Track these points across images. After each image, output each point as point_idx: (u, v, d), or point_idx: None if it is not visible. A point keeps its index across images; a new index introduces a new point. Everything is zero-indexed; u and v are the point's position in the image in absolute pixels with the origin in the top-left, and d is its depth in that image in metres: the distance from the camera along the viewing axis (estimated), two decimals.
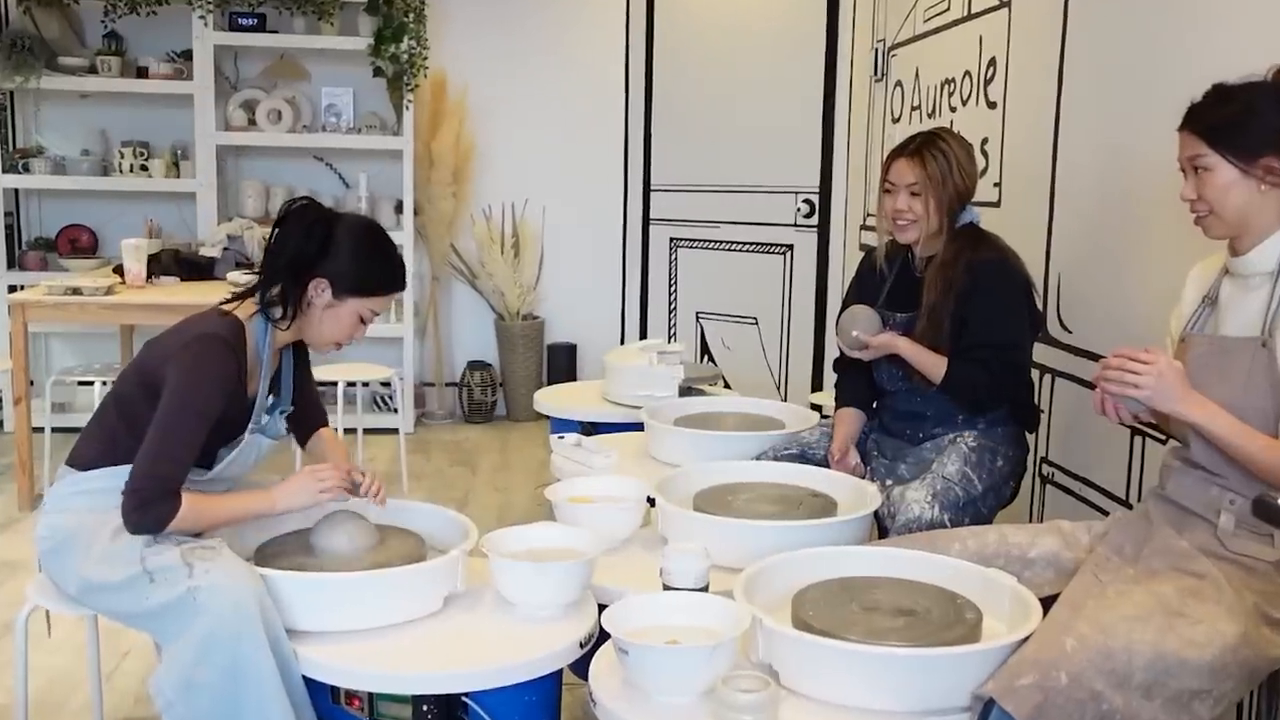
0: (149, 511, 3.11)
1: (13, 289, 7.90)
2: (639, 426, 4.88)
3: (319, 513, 3.44)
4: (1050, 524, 3.22)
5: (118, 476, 3.21)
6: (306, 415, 3.80)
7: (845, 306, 4.38)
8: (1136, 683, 2.45)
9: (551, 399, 5.69)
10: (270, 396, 3.56)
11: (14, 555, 5.80)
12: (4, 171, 8.22)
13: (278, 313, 3.41)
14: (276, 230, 3.45)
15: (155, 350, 3.36)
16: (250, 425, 3.44)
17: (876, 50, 7.01)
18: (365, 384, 8.56)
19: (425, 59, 8.34)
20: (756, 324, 8.29)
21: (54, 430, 6.90)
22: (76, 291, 6.56)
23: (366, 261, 3.45)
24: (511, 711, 2.97)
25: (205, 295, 6.61)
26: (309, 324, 3.47)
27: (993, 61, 5.25)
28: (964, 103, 5.59)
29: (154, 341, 3.41)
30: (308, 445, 3.85)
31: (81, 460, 3.34)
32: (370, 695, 3.02)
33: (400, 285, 3.56)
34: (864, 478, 4.14)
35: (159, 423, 3.15)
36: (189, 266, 7.41)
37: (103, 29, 8.42)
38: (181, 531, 3.18)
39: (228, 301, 3.47)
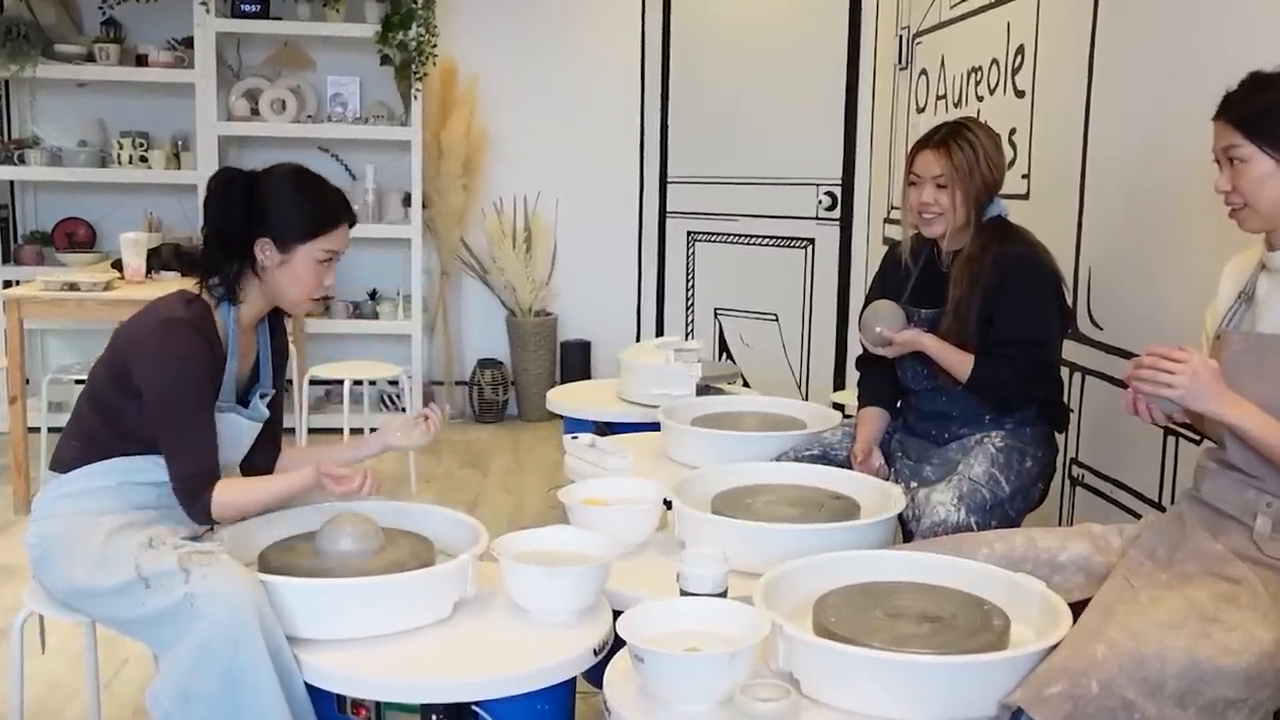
0: (199, 503, 3.25)
1: (8, 284, 7.92)
2: (655, 427, 4.88)
3: (324, 516, 3.44)
4: (1080, 527, 3.21)
5: (97, 475, 3.27)
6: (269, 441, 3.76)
7: (869, 302, 4.37)
8: (1170, 691, 2.44)
9: (565, 398, 5.69)
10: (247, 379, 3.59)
11: (10, 560, 5.82)
12: None
13: (225, 291, 3.43)
14: (204, 213, 3.47)
15: (120, 339, 3.41)
16: (219, 402, 3.40)
17: (901, 37, 7.01)
18: (372, 382, 8.56)
19: (434, 46, 8.34)
20: (777, 320, 8.30)
21: (50, 430, 6.85)
22: (74, 287, 6.56)
23: (296, 204, 3.43)
24: None
25: None
26: (274, 289, 3.47)
27: (1021, 49, 5.25)
28: (991, 92, 5.59)
29: (120, 330, 3.45)
30: (277, 466, 3.79)
31: (62, 463, 3.37)
32: (377, 704, 3.01)
33: (343, 215, 3.53)
34: (888, 479, 4.14)
35: (161, 427, 3.22)
36: (190, 261, 7.37)
37: (101, 15, 8.44)
38: (238, 513, 3.35)
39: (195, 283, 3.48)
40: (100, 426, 3.33)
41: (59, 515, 3.27)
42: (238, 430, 3.52)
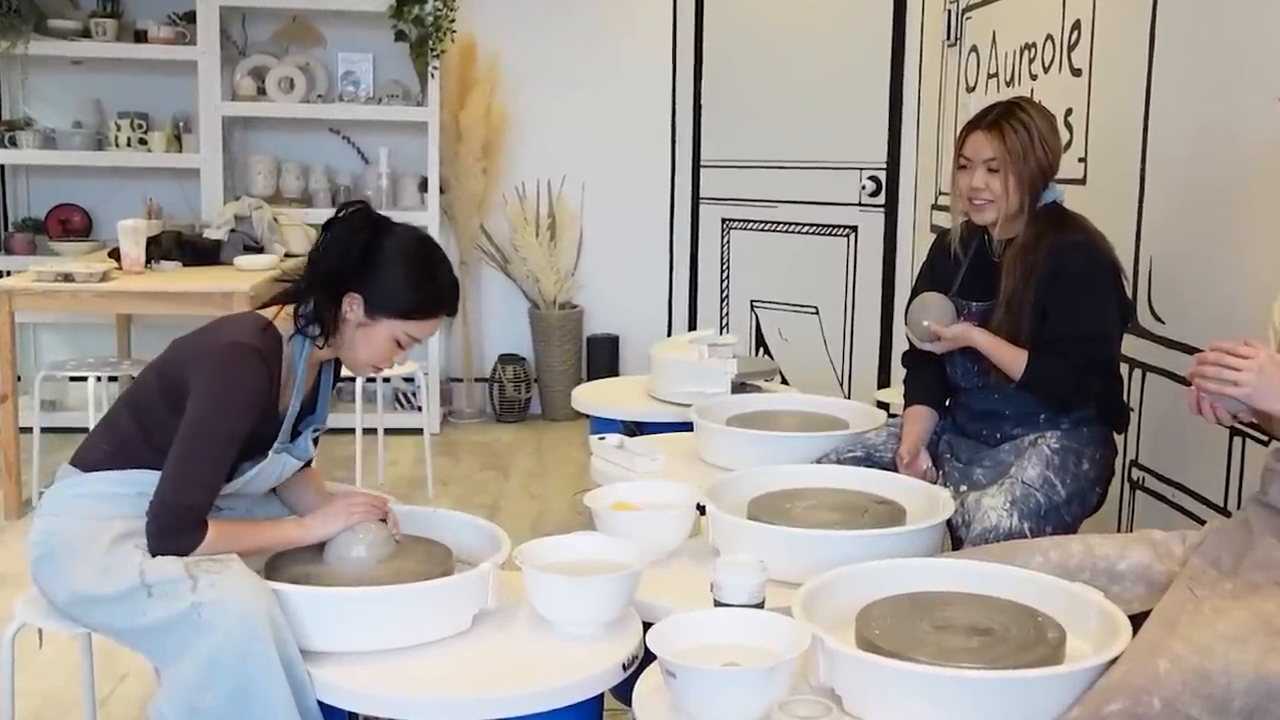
0: (170, 540, 3.14)
1: None
2: (688, 426, 4.90)
3: None
4: (1141, 534, 3.21)
5: (125, 483, 3.24)
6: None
7: (915, 294, 4.38)
8: (1236, 708, 2.44)
9: (592, 396, 5.71)
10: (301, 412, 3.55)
11: (1, 567, 5.85)
12: None
13: (314, 330, 3.40)
14: (322, 237, 3.44)
15: (181, 351, 3.38)
16: (276, 444, 3.42)
17: (949, 12, 7.00)
18: (386, 380, 8.54)
19: (452, 22, 8.36)
20: (817, 313, 8.30)
21: (44, 431, 6.92)
22: (68, 278, 6.56)
23: (406, 280, 3.39)
24: None
25: (210, 281, 6.69)
26: (342, 342, 3.45)
27: (1077, 24, 5.24)
28: (1045, 70, 5.58)
29: (181, 341, 3.43)
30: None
31: (87, 460, 3.35)
32: None
33: (445, 309, 3.49)
34: (936, 483, 4.14)
35: (184, 443, 3.17)
36: (192, 250, 7.44)
37: None
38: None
39: (266, 305, 3.46)
40: (136, 435, 3.31)
41: (72, 514, 3.24)
42: (282, 470, 3.51)
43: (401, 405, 8.92)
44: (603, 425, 5.37)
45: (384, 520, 3.46)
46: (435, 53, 8.32)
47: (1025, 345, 4.03)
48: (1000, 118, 4.11)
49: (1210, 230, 4.19)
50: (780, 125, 8.36)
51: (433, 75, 8.40)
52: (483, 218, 9.03)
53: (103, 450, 3.35)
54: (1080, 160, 5.13)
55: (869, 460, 4.33)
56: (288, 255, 7.60)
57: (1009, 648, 2.71)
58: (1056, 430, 4.09)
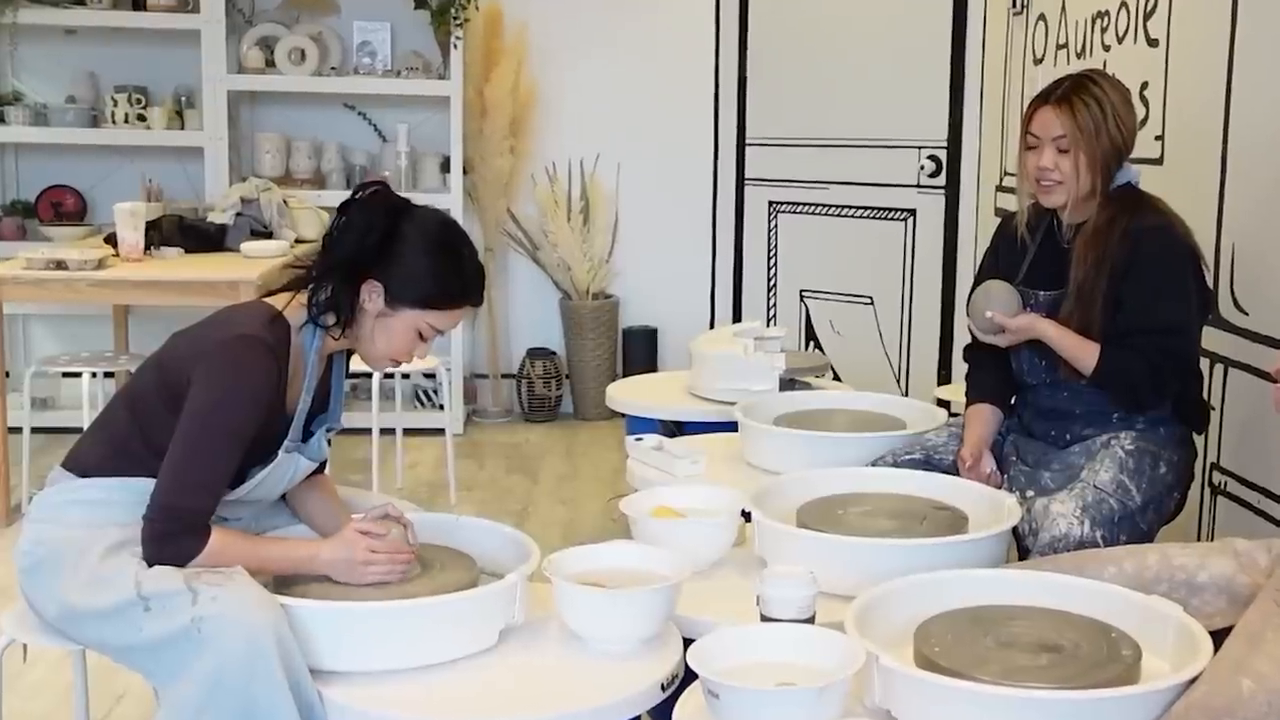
0: (167, 548, 3.14)
1: None
2: (732, 426, 4.90)
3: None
4: (1222, 542, 3.21)
5: (123, 489, 3.25)
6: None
7: (979, 282, 4.38)
8: None
9: (628, 394, 5.72)
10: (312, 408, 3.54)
11: None
12: None
13: (330, 319, 3.40)
14: (338, 219, 3.44)
15: (183, 344, 3.39)
16: (286, 442, 3.42)
17: None
18: (405, 376, 8.54)
19: None
20: (872, 304, 8.30)
21: (34, 431, 6.94)
22: (61, 265, 6.55)
23: (429, 267, 3.40)
24: None
25: (214, 270, 6.67)
26: (359, 334, 3.45)
27: None
28: (1119, 40, 5.57)
29: (183, 333, 3.44)
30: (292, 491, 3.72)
31: (81, 464, 3.35)
32: None
33: (471, 299, 3.49)
34: (1000, 487, 4.14)
35: (183, 442, 3.17)
36: (195, 236, 7.41)
37: None
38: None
39: (274, 293, 3.47)
40: (135, 436, 3.31)
41: (64, 521, 3.24)
42: (294, 472, 3.51)
43: (422, 403, 8.94)
44: (640, 425, 5.38)
45: (403, 526, 3.43)
46: (458, 21, 8.31)
47: (1097, 338, 4.03)
48: (1070, 92, 4.10)
49: None
50: (832, 100, 8.34)
51: (455, 46, 8.38)
52: (510, 200, 9.04)
53: (98, 453, 3.36)
54: (1157, 138, 5.12)
55: (928, 463, 4.33)
56: (298, 241, 7.59)
57: (1080, 666, 2.71)
58: (1131, 430, 4.08)
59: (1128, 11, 5.47)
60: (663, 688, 3.05)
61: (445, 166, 8.68)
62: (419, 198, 3.57)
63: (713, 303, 9.25)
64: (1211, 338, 4.53)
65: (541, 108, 9.04)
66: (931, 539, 3.54)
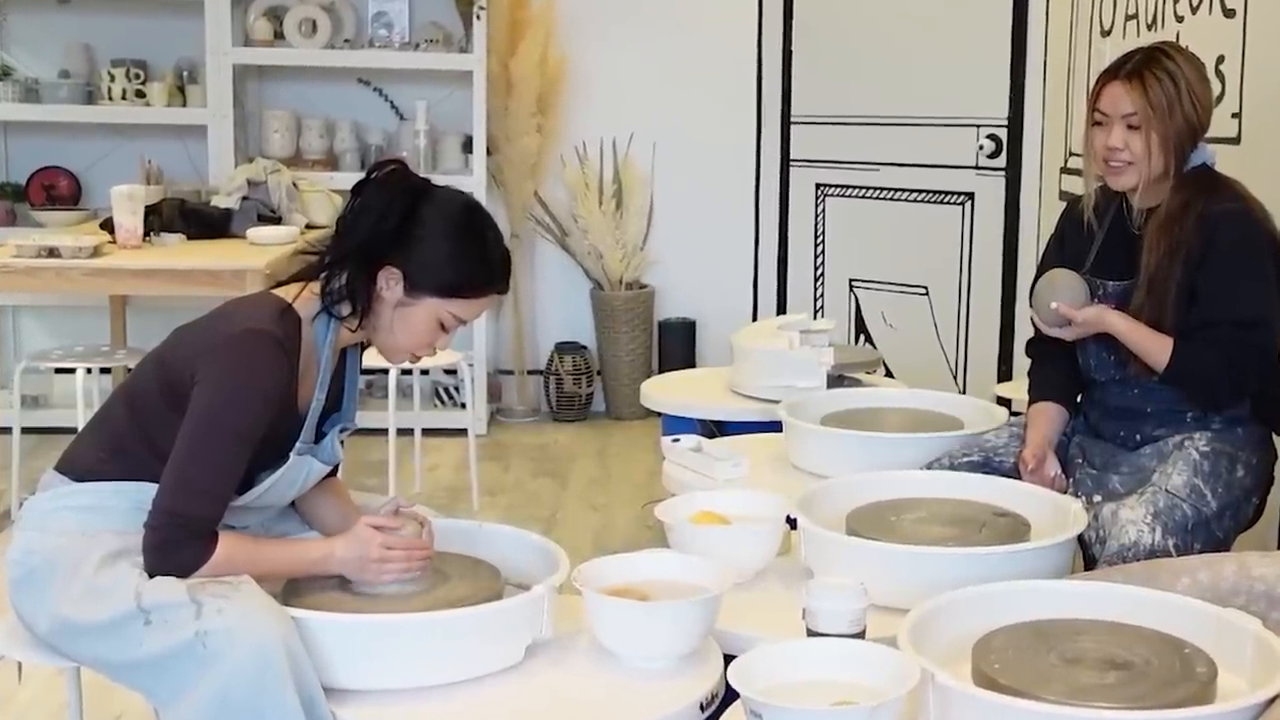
0: (171, 556, 3.14)
1: None
2: (776, 426, 4.91)
3: None
4: None
5: (121, 494, 3.25)
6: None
7: (1042, 271, 4.38)
8: None
9: (664, 391, 5.73)
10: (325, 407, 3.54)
11: None
12: None
13: (345, 309, 3.40)
14: (352, 202, 3.44)
15: (187, 339, 3.40)
16: (298, 444, 3.41)
17: None
18: (424, 372, 8.54)
19: None
20: (926, 294, 8.30)
21: (25, 431, 6.94)
22: (54, 253, 6.51)
23: (451, 251, 3.39)
24: None
25: (218, 257, 6.64)
26: (377, 324, 3.44)
27: None
28: (1193, 10, 5.55)
29: (186, 328, 3.44)
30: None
31: (76, 467, 3.36)
32: None
33: (496, 286, 3.49)
34: (1065, 492, 4.14)
35: (188, 444, 3.17)
36: (197, 220, 7.37)
37: None
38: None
39: (283, 283, 3.47)
40: (135, 437, 3.32)
41: (57, 529, 3.24)
42: (306, 475, 3.51)
43: (442, 402, 8.96)
44: (677, 425, 5.38)
45: (418, 523, 3.43)
46: None
47: (1170, 332, 4.03)
48: (1141, 66, 4.09)
49: None
50: (883, 75, 8.34)
51: (479, 17, 8.38)
52: (537, 183, 9.05)
53: (95, 455, 3.36)
54: (1234, 116, 5.11)
55: (987, 466, 4.33)
56: (309, 227, 7.56)
57: (1151, 684, 2.71)
58: (1206, 431, 4.08)
59: None
60: (701, 708, 3.05)
61: (467, 146, 8.69)
62: (439, 180, 3.56)
63: (755, 293, 9.26)
64: None
65: (571, 83, 9.04)
66: (991, 548, 3.53)
